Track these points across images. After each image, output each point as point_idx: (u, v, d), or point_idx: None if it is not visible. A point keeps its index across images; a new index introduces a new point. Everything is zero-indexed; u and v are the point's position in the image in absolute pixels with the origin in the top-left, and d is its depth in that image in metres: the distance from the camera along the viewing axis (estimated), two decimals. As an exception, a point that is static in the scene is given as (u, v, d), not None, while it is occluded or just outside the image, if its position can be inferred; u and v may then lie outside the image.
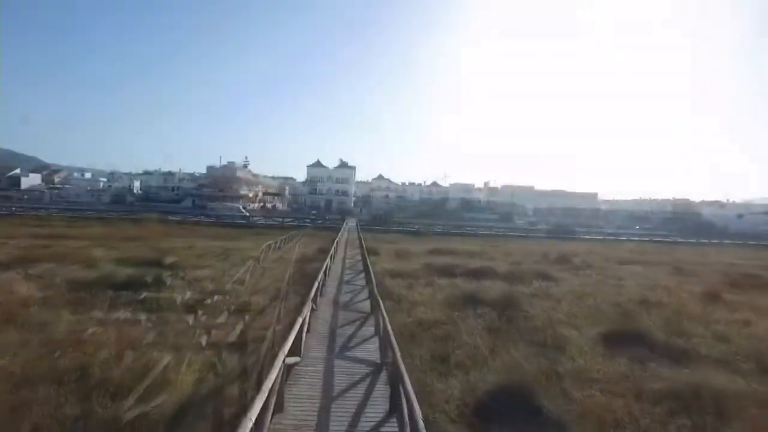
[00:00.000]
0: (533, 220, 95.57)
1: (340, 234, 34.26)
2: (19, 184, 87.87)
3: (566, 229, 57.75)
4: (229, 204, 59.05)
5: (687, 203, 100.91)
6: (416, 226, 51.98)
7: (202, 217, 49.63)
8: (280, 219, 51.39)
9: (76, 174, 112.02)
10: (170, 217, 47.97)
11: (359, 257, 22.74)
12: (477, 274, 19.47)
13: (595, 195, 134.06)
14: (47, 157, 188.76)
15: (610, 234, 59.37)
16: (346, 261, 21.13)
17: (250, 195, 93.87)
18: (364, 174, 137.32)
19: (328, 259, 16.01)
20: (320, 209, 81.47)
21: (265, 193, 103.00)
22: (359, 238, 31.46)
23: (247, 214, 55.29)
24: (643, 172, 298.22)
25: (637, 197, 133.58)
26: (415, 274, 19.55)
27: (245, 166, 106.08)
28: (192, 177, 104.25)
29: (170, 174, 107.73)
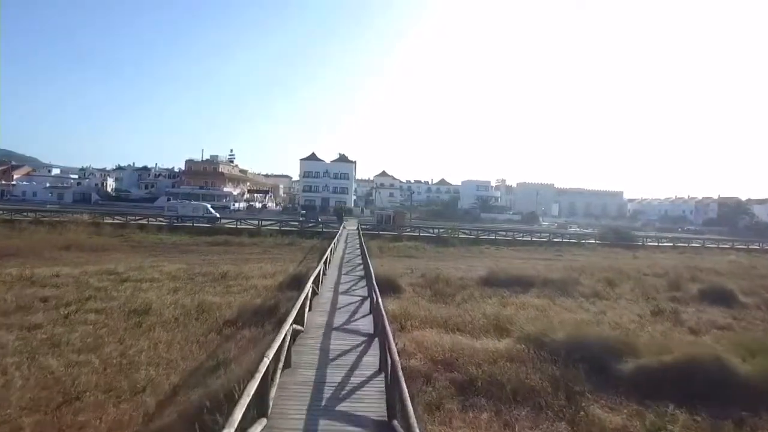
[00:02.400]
0: (561, 221, 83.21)
1: (333, 245, 21.84)
2: (-34, 180, 75.66)
3: (624, 234, 45.25)
4: (195, 202, 46.52)
5: (736, 201, 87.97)
6: (436, 230, 39.58)
7: (151, 219, 37.11)
8: (257, 222, 38.97)
9: (50, 171, 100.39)
10: (107, 219, 35.85)
11: (367, 316, 10.33)
12: (661, 374, 7.17)
13: (621, 193, 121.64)
14: (47, 159, 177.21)
15: (678, 239, 46.99)
16: (333, 342, 8.51)
17: (236, 192, 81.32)
18: (365, 171, 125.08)
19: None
20: (315, 209, 68.81)
21: (252, 191, 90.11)
22: (364, 256, 18.84)
23: (217, 215, 42.95)
24: (671, 169, 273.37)
25: (664, 196, 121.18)
26: (510, 375, 7.26)
27: (231, 161, 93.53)
28: (170, 173, 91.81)
29: (145, 169, 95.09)
